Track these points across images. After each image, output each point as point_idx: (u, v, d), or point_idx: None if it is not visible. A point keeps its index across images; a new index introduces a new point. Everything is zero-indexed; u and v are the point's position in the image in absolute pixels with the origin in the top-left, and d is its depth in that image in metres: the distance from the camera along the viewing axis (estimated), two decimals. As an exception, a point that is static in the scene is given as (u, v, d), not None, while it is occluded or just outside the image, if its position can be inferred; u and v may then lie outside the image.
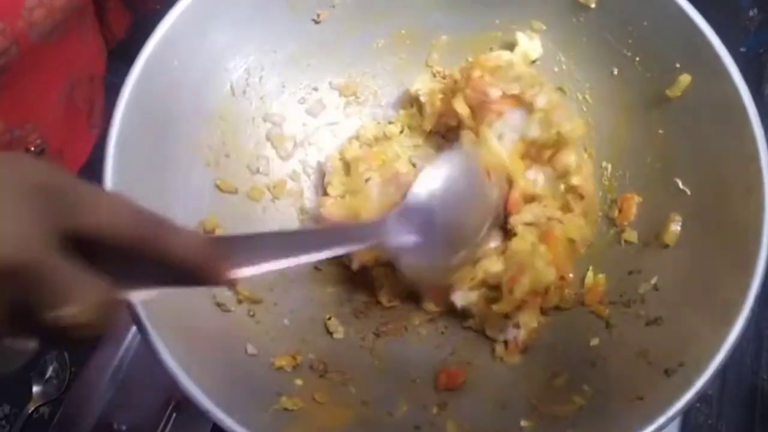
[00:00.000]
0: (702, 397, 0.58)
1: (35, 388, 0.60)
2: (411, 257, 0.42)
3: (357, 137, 0.54)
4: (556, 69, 0.51)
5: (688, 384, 0.34)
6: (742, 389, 0.59)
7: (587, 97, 0.50)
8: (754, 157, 0.40)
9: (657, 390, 0.35)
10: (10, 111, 0.47)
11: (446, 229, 0.44)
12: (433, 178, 0.44)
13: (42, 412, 0.59)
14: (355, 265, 0.47)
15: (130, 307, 0.33)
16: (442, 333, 0.47)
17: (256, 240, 0.34)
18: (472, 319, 0.46)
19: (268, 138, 0.52)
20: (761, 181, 0.39)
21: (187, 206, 0.44)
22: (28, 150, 0.51)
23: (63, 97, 0.54)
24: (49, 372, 0.61)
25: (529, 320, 0.44)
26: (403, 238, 0.41)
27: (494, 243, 0.47)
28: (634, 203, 0.47)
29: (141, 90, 0.41)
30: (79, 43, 0.53)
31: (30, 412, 0.59)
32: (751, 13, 0.72)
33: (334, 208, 0.49)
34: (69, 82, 0.54)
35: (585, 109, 0.50)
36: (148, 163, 0.42)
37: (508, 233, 0.48)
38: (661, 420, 0.32)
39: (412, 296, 0.48)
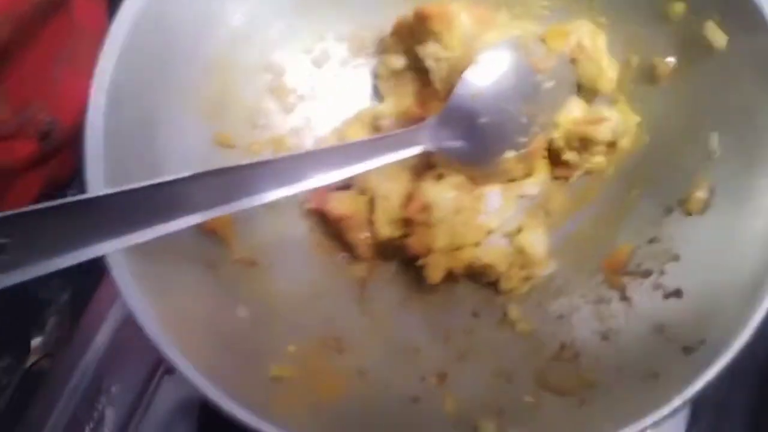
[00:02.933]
0: None
1: (34, 341, 0.59)
2: (456, 160, 0.43)
3: (358, 118, 0.51)
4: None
5: (709, 363, 0.31)
6: (753, 364, 0.56)
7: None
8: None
9: (674, 368, 0.33)
10: (12, 94, 0.45)
11: (493, 129, 0.43)
12: (476, 78, 0.43)
13: (42, 366, 0.58)
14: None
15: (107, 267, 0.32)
16: (445, 301, 0.45)
17: (306, 157, 0.38)
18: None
19: (269, 90, 0.49)
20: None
21: (182, 160, 0.42)
22: (38, 132, 0.49)
23: (64, 65, 0.51)
24: (49, 325, 0.60)
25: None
26: (445, 144, 0.42)
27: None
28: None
29: (132, 37, 0.39)
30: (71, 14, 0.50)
31: (29, 365, 0.58)
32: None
33: (341, 203, 0.46)
34: (68, 49, 0.51)
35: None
36: (140, 115, 0.40)
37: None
38: (677, 402, 0.30)
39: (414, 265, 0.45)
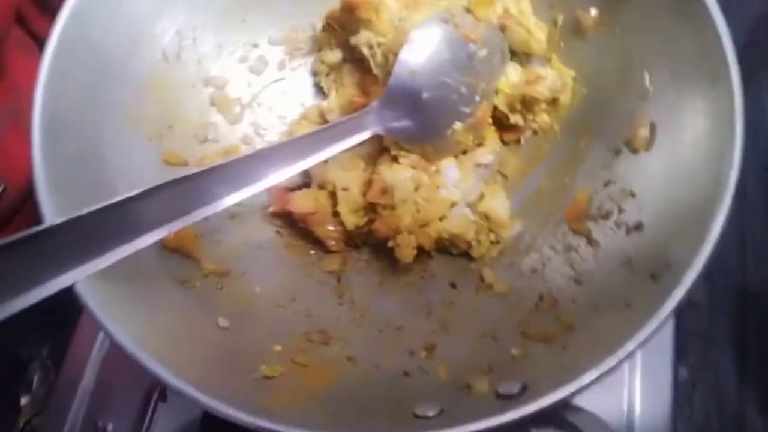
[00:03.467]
0: (693, 304, 0.58)
1: (23, 400, 0.57)
2: (405, 139, 0.44)
3: (304, 117, 0.52)
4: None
5: (676, 284, 0.32)
6: (731, 293, 0.58)
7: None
8: (716, 46, 0.38)
9: (645, 295, 0.34)
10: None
11: (436, 103, 0.44)
12: (412, 56, 0.43)
13: (34, 423, 0.57)
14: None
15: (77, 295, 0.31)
16: (422, 277, 0.45)
17: (256, 156, 0.37)
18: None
19: (212, 103, 0.49)
20: (727, 71, 0.37)
21: (133, 184, 0.41)
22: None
23: (5, 125, 0.50)
24: (35, 381, 0.59)
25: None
26: (392, 125, 0.43)
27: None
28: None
29: (60, 67, 0.39)
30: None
31: (22, 426, 0.56)
32: None
33: (303, 201, 0.46)
34: (8, 108, 0.50)
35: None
36: (82, 143, 0.40)
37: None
38: (654, 324, 0.31)
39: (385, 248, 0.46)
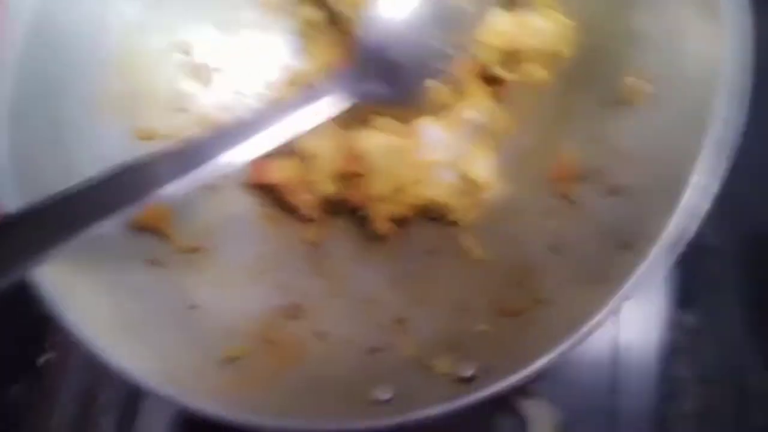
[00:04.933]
0: (706, 247, 0.55)
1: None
2: (379, 103, 0.42)
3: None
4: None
5: (646, 254, 0.31)
6: (743, 238, 0.55)
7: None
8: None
9: (617, 266, 0.32)
10: None
11: (407, 61, 0.42)
12: (379, 13, 0.41)
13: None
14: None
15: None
16: (400, 245, 0.44)
17: (241, 122, 0.36)
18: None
19: (183, 70, 0.47)
20: (717, 11, 0.34)
21: (104, 163, 0.41)
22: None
23: None
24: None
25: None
26: (365, 88, 0.41)
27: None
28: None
29: (25, 51, 0.38)
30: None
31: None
32: None
33: (279, 170, 0.45)
34: None
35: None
36: (50, 125, 0.39)
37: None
38: (616, 301, 0.30)
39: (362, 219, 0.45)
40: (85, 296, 0.34)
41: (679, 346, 0.51)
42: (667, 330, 0.51)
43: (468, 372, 0.31)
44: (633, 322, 0.50)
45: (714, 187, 0.32)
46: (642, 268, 0.30)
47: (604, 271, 0.33)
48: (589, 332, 0.29)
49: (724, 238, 0.55)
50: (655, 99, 0.38)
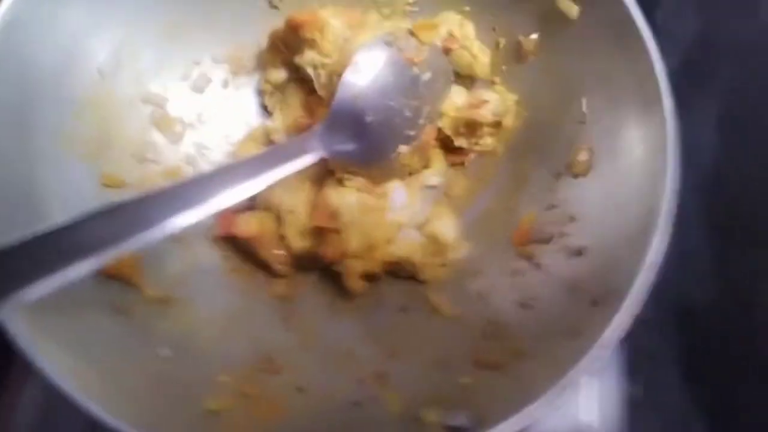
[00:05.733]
0: (643, 323, 0.58)
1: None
2: (350, 162, 0.44)
3: (250, 137, 0.51)
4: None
5: (616, 310, 0.33)
6: (678, 311, 0.59)
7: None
8: (650, 75, 0.39)
9: (588, 322, 0.35)
10: None
11: (381, 127, 0.44)
12: (355, 79, 0.44)
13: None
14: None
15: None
16: (372, 302, 0.45)
17: (198, 180, 0.36)
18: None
19: (152, 122, 0.47)
20: (660, 100, 0.39)
21: (69, 208, 0.39)
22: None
23: None
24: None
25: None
26: (336, 148, 0.42)
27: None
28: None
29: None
30: None
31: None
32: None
33: (248, 224, 0.45)
34: None
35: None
36: (13, 167, 0.38)
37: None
38: (595, 351, 0.32)
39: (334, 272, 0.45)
40: (56, 343, 0.32)
41: (629, 420, 0.51)
42: (618, 404, 0.51)
43: (458, 421, 0.31)
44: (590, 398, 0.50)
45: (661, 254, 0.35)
46: (617, 322, 0.33)
47: (576, 326, 0.35)
48: (577, 377, 0.31)
49: (659, 313, 0.58)
50: (602, 171, 0.42)
